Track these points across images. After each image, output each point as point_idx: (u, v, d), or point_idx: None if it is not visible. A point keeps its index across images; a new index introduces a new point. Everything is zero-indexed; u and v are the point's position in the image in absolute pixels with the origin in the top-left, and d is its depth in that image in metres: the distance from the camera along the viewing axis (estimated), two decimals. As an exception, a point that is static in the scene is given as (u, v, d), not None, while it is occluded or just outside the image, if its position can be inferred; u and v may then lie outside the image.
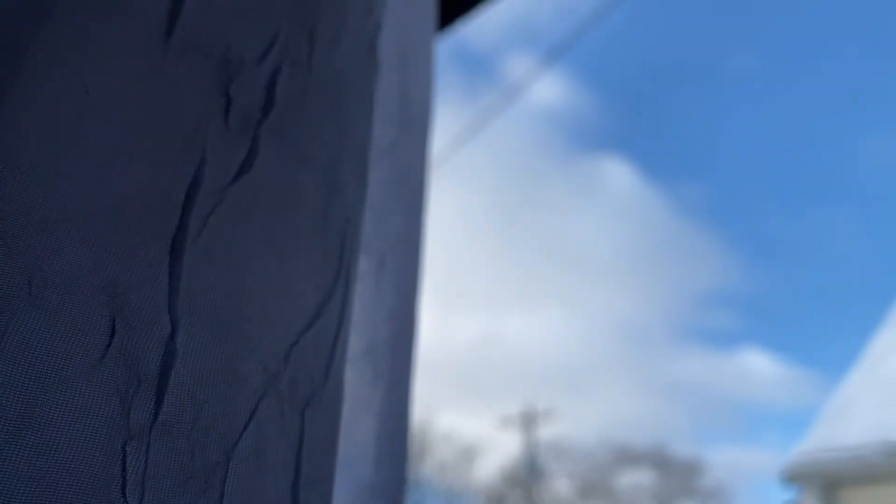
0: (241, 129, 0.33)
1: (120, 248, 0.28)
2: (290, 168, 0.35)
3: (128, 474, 0.26)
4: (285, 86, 0.35)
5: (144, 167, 0.29)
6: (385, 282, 0.56)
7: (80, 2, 0.29)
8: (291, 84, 0.36)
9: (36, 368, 0.25)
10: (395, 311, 0.56)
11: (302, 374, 0.33)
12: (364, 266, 0.57)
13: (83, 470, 0.25)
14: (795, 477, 5.18)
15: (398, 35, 0.61)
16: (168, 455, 0.27)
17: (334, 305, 0.36)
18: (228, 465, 0.29)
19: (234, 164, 0.32)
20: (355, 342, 0.55)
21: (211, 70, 0.32)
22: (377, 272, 0.56)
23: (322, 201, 0.36)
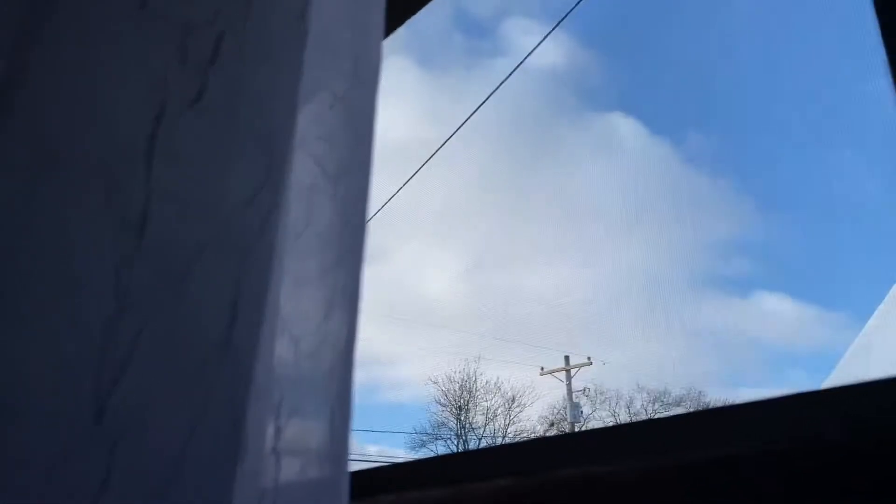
0: (194, 72, 0.50)
1: (110, 143, 0.45)
2: (231, 99, 0.52)
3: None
4: (228, 43, 0.52)
5: (127, 96, 0.47)
6: (339, 197, 0.73)
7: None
8: (232, 42, 0.53)
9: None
10: (348, 218, 0.73)
11: (237, 233, 0.50)
12: (322, 184, 0.74)
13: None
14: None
15: (349, 5, 0.78)
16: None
17: (266, 194, 0.53)
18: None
19: (190, 96, 0.50)
20: (317, 239, 0.72)
21: (173, 31, 0.50)
22: (333, 189, 0.73)
23: (254, 121, 0.53)
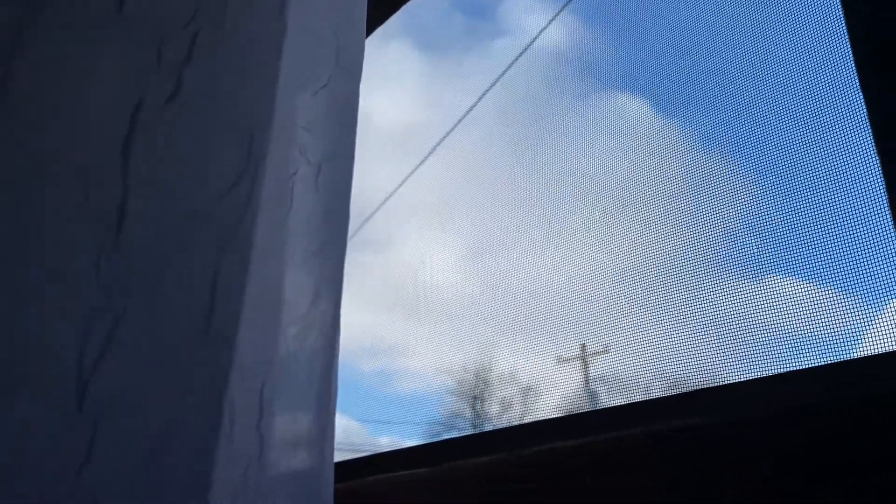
0: (169, 72, 0.52)
1: (90, 137, 0.47)
2: (208, 96, 0.54)
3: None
4: (204, 41, 0.54)
5: (105, 96, 0.48)
6: (321, 184, 0.74)
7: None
8: (209, 40, 0.54)
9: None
10: (330, 206, 0.75)
11: (216, 221, 0.52)
12: (305, 172, 0.75)
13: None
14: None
15: (333, 2, 0.80)
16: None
17: (244, 185, 0.55)
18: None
19: (166, 93, 0.51)
20: (300, 226, 0.74)
21: (148, 33, 0.51)
22: (315, 176, 0.74)
23: (232, 114, 0.55)
